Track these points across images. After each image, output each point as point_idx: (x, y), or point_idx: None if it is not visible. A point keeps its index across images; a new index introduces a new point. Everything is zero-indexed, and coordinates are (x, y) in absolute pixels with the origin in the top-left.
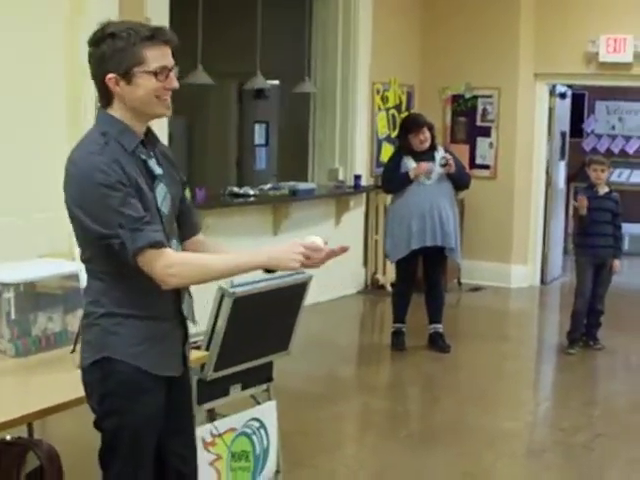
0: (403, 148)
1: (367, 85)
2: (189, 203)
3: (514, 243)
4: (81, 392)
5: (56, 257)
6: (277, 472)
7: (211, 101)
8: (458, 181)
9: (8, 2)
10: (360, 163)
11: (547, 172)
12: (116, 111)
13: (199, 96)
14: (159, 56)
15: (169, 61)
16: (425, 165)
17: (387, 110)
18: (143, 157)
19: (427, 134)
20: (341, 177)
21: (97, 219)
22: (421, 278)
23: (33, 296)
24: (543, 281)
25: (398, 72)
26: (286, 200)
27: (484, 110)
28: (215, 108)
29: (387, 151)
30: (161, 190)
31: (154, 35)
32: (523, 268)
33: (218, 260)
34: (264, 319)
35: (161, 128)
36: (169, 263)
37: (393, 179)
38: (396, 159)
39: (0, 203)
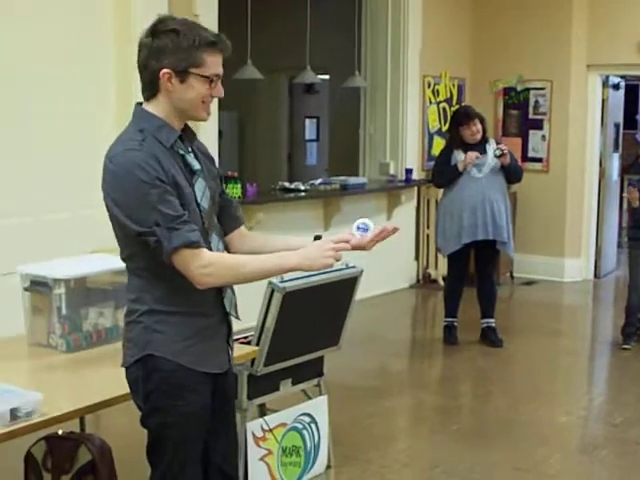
0: (454, 141)
1: (418, 78)
2: (229, 196)
3: (567, 236)
4: None
5: (107, 253)
6: (328, 467)
7: (261, 96)
8: (512, 173)
9: None
10: (411, 157)
11: (600, 164)
12: (158, 106)
13: (249, 91)
14: (215, 63)
15: (220, 70)
16: (472, 154)
17: (438, 104)
18: (181, 152)
19: (478, 126)
20: (392, 171)
21: (134, 216)
22: (473, 272)
23: (84, 292)
24: (597, 275)
25: (449, 65)
26: (337, 195)
27: (536, 103)
28: (265, 103)
29: (438, 145)
30: (200, 185)
31: (216, 42)
32: (576, 262)
33: (253, 262)
34: (314, 314)
35: (212, 123)
36: (204, 263)
37: (443, 173)
38: (447, 153)
39: (52, 200)
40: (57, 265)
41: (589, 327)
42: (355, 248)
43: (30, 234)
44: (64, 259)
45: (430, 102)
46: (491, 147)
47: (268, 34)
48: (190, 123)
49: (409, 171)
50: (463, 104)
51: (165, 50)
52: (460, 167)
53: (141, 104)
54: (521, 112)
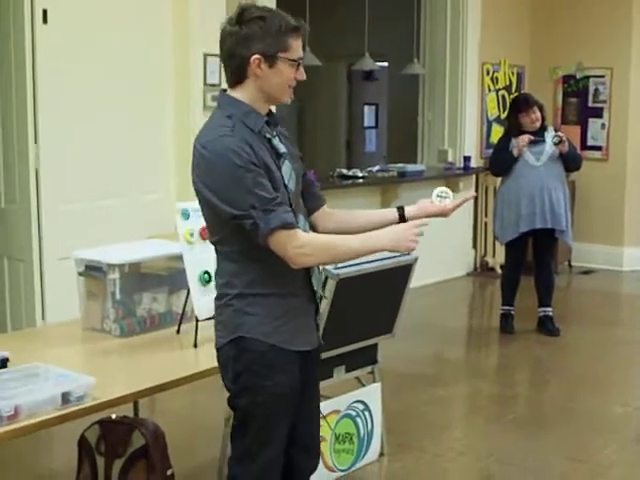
0: (513, 128)
1: (476, 66)
2: (309, 177)
3: (626, 225)
4: (186, 372)
5: (163, 238)
6: (381, 454)
7: (320, 83)
8: (570, 161)
9: None
10: (469, 144)
11: None
12: (245, 91)
13: (308, 78)
14: (299, 47)
15: (302, 54)
16: (524, 137)
17: (497, 91)
18: (268, 136)
19: (538, 114)
20: (450, 159)
21: (229, 200)
22: (531, 261)
23: (138, 277)
24: None
25: (508, 52)
26: (394, 182)
27: (596, 90)
28: (324, 90)
29: (497, 132)
30: (287, 167)
31: (299, 27)
32: (636, 250)
33: (343, 242)
34: (368, 301)
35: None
36: (300, 244)
37: (499, 160)
38: (505, 140)
39: (110, 186)
40: (112, 250)
41: None
42: (436, 215)
43: (87, 219)
44: (119, 244)
45: (489, 90)
46: (549, 135)
47: (327, 21)
48: None
49: (467, 159)
50: (522, 92)
51: (254, 37)
52: (515, 152)
53: (225, 91)
54: (580, 100)
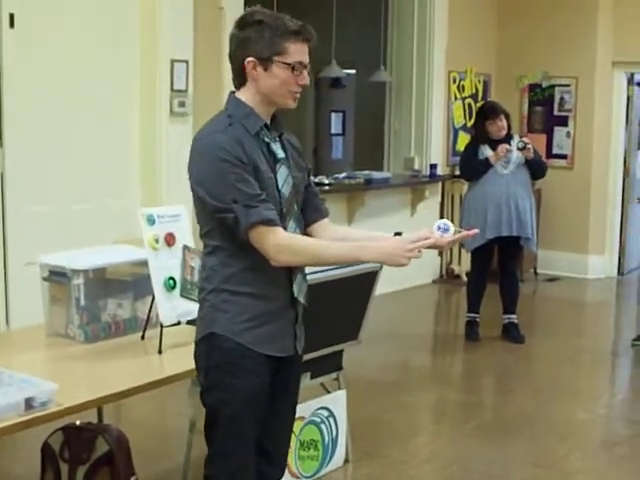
0: (479, 136)
1: (443, 74)
2: (314, 189)
3: (591, 233)
4: (150, 378)
5: (129, 244)
6: (346, 461)
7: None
8: (536, 168)
9: None
10: (436, 152)
11: (625, 162)
12: (247, 94)
13: None
14: (298, 52)
15: (305, 58)
16: (504, 146)
17: (463, 99)
18: (266, 140)
19: (504, 122)
20: (417, 166)
21: (214, 193)
22: (496, 268)
23: (103, 282)
24: (621, 272)
25: (474, 61)
26: (361, 189)
27: (561, 99)
28: None
29: (463, 140)
30: (282, 172)
31: (299, 31)
32: (600, 259)
33: (329, 247)
34: (334, 307)
35: None
36: (279, 241)
37: (473, 166)
38: (473, 147)
39: (76, 190)
40: (76, 255)
41: (612, 325)
42: (432, 247)
43: (53, 224)
44: (84, 249)
45: (455, 98)
46: (515, 142)
47: None
48: None
49: (434, 166)
50: (489, 100)
51: (250, 40)
52: (492, 160)
53: (234, 92)
54: (546, 108)
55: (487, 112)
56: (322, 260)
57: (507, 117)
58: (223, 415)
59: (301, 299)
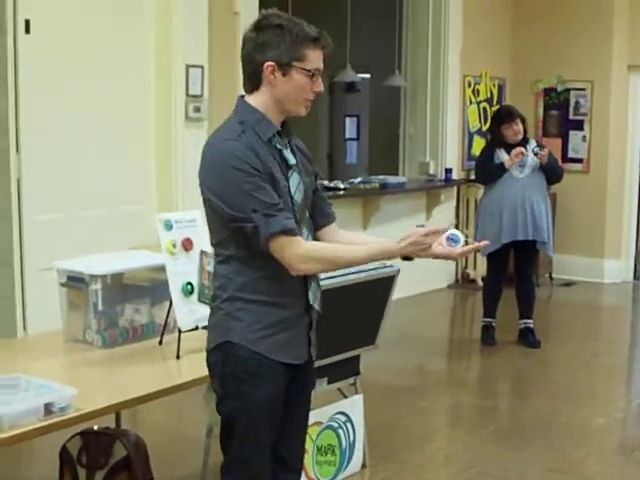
0: (495, 140)
1: (458, 78)
2: (322, 194)
3: (607, 238)
4: (168, 383)
5: (145, 249)
6: (363, 466)
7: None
8: (551, 173)
9: None
10: (451, 157)
11: None
12: (259, 99)
13: None
14: (316, 58)
15: (321, 65)
16: (519, 149)
17: (478, 103)
18: (279, 146)
19: (520, 126)
20: (432, 171)
21: (231, 203)
22: (512, 272)
23: (120, 288)
24: (636, 276)
25: (489, 65)
26: (376, 193)
27: (577, 103)
28: None
29: (478, 144)
30: (295, 179)
31: (318, 38)
32: (616, 263)
33: (349, 250)
34: (351, 313)
35: None
36: (300, 251)
37: (488, 170)
38: (489, 151)
39: (92, 196)
40: (94, 261)
41: (628, 329)
42: (443, 258)
43: (69, 230)
44: (101, 255)
45: (470, 102)
46: (531, 147)
47: None
48: None
49: (449, 171)
50: (504, 104)
51: (270, 44)
52: (507, 164)
53: (244, 97)
54: (561, 113)
55: (503, 116)
56: (344, 264)
57: (523, 121)
58: (239, 424)
59: (316, 306)
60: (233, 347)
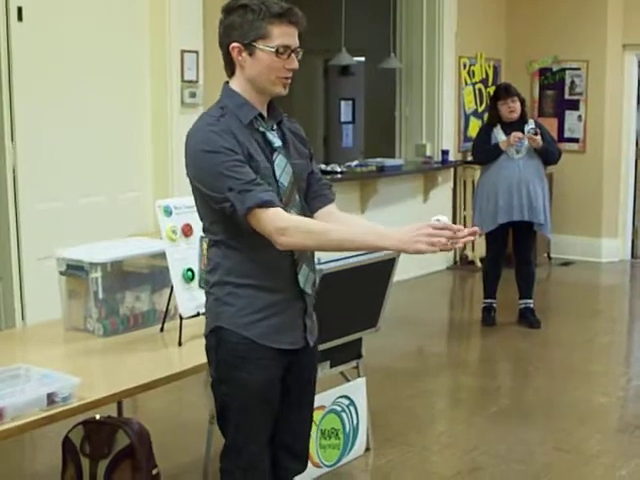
0: (493, 118)
1: (453, 60)
2: (318, 176)
3: (604, 217)
4: (171, 370)
5: (143, 236)
6: (367, 449)
7: (297, 78)
8: (546, 156)
9: None
10: (447, 138)
11: (637, 144)
12: (237, 82)
13: None
14: (283, 35)
15: (293, 42)
16: (516, 134)
17: (474, 85)
18: (261, 129)
19: (517, 104)
20: (428, 153)
21: (210, 186)
22: (511, 253)
23: (121, 275)
24: (634, 255)
25: (484, 46)
26: (373, 177)
27: (572, 83)
28: (301, 85)
29: (474, 126)
30: (280, 161)
31: (283, 14)
32: (614, 242)
33: (336, 230)
34: (352, 296)
35: None
36: (280, 223)
37: (484, 150)
38: (486, 129)
39: (88, 184)
40: (93, 249)
41: (627, 307)
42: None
43: (67, 218)
44: (100, 243)
45: (466, 83)
46: (528, 128)
47: (304, 16)
48: None
49: (445, 152)
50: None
51: (233, 25)
52: (503, 146)
53: (228, 82)
54: (557, 92)
55: (499, 92)
56: (327, 243)
57: (522, 102)
58: (232, 409)
59: (308, 290)
60: (224, 332)
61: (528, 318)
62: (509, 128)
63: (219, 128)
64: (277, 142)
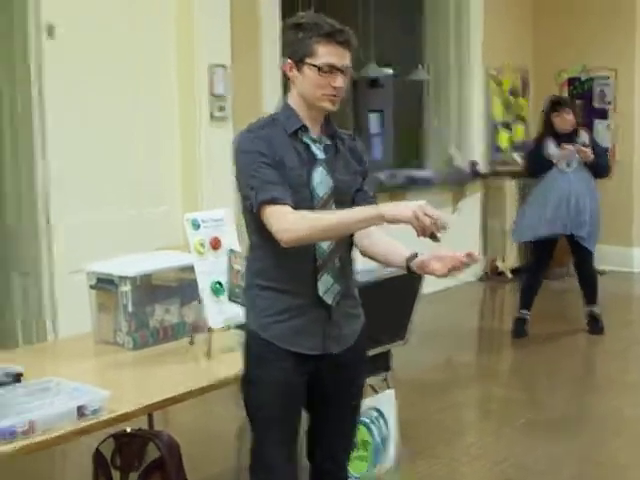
0: (546, 130)
1: (481, 70)
2: (365, 195)
3: (635, 226)
4: (201, 383)
5: (172, 249)
6: (396, 462)
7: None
8: (596, 169)
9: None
10: (476, 149)
11: None
12: (291, 97)
13: None
14: (329, 54)
15: (339, 61)
16: (569, 147)
17: (502, 95)
18: (305, 140)
19: (571, 115)
20: (457, 164)
21: (240, 183)
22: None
23: (150, 288)
24: None
25: (512, 56)
26: (402, 188)
27: (601, 92)
28: None
29: (503, 136)
30: (319, 173)
31: (330, 34)
32: None
33: (330, 213)
34: (380, 308)
35: None
36: (282, 218)
37: (536, 162)
38: (538, 142)
39: (119, 198)
40: (123, 262)
41: None
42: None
43: (98, 232)
44: (130, 256)
45: (494, 94)
46: (580, 140)
47: None
48: None
49: (474, 163)
50: (528, 96)
51: (288, 42)
52: (554, 160)
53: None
54: (585, 102)
55: (553, 104)
56: (324, 228)
57: (575, 112)
58: (251, 408)
59: (327, 299)
60: (250, 333)
61: (590, 323)
62: (562, 140)
63: (255, 134)
64: (320, 155)
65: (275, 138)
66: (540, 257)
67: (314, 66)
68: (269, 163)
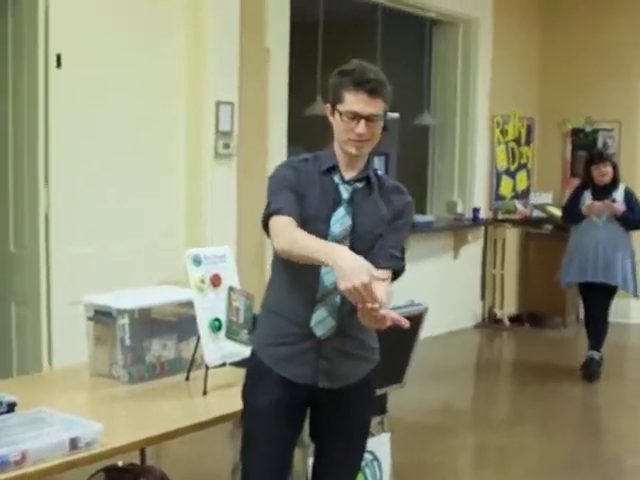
0: (584, 180)
1: (486, 118)
2: (386, 242)
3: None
4: (195, 419)
5: (174, 284)
6: None
7: (330, 132)
8: (624, 223)
9: (132, 26)
10: (479, 196)
11: None
12: (335, 137)
13: (319, 127)
14: (354, 101)
15: (362, 109)
16: (598, 204)
17: (506, 143)
18: (336, 180)
19: (609, 168)
20: (460, 210)
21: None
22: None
23: (148, 322)
24: None
25: (518, 105)
26: None
27: (605, 143)
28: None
29: (506, 184)
30: (340, 213)
31: (358, 82)
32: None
33: (308, 238)
34: (379, 351)
35: (281, 158)
36: (280, 227)
37: (571, 212)
38: (577, 192)
39: (119, 232)
40: (121, 295)
41: None
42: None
43: (96, 264)
44: (129, 290)
45: (499, 142)
46: (618, 193)
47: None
48: None
49: (476, 210)
50: (532, 145)
51: (329, 88)
52: (583, 211)
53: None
54: (589, 153)
55: (593, 157)
56: (298, 248)
57: (614, 167)
58: (242, 429)
59: (318, 332)
60: (252, 351)
61: (586, 368)
62: (599, 191)
63: (289, 164)
64: (345, 195)
65: (306, 172)
66: (584, 302)
67: (340, 113)
68: (291, 189)
